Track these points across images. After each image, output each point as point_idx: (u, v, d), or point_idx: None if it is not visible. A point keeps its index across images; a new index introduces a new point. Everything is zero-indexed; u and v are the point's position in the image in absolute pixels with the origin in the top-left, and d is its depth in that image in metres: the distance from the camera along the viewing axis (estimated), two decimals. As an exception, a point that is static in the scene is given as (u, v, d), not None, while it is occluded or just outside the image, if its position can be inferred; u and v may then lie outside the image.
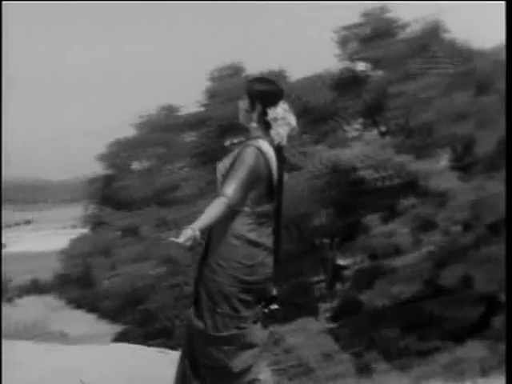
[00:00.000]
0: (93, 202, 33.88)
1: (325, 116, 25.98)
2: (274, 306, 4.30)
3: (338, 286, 24.38)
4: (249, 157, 4.04)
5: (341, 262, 24.64)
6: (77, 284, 35.67)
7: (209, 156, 29.42)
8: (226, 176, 4.04)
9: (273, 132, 4.15)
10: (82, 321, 38.60)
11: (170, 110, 31.11)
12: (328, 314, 23.24)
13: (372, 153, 22.05)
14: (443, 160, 23.30)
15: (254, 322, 4.12)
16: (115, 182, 31.84)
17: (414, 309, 20.27)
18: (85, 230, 35.54)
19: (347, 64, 27.01)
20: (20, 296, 60.14)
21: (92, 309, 33.94)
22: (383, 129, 26.11)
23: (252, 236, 4.07)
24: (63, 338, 25.16)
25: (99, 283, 28.97)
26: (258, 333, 4.13)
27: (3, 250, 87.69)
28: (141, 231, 28.39)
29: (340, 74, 26.87)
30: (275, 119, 4.14)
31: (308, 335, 19.08)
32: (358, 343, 20.69)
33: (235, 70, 30.04)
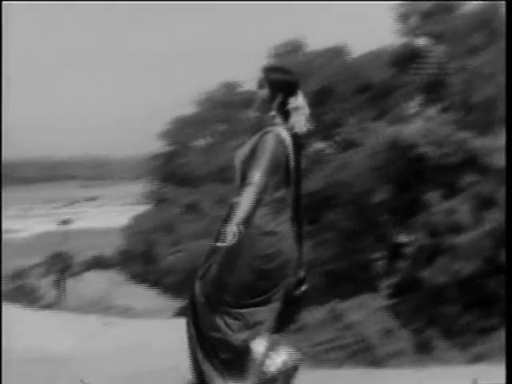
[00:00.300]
0: (156, 178, 34.24)
1: (385, 92, 25.81)
2: (304, 287, 4.43)
3: (399, 262, 24.30)
4: (270, 144, 4.18)
5: (401, 238, 24.56)
6: (140, 259, 36.17)
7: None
8: (248, 164, 4.15)
9: (293, 120, 4.26)
10: (145, 295, 39.20)
11: (231, 86, 31.20)
12: (388, 291, 23.22)
13: (433, 129, 21.88)
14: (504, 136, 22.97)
15: (264, 304, 4.27)
16: (177, 159, 32.13)
17: (475, 286, 20.15)
18: (148, 207, 35.97)
19: (408, 39, 26.73)
20: (85, 271, 61.32)
21: (155, 284, 34.40)
22: (444, 105, 25.84)
23: (270, 226, 4.19)
24: (127, 312, 25.58)
25: (162, 259, 29.33)
26: (263, 313, 4.28)
27: (68, 226, 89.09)
28: (203, 208, 28.63)
29: (400, 50, 26.59)
30: (296, 108, 4.25)
31: (368, 312, 19.11)
32: (418, 320, 20.65)
33: (298, 46, 29.92)
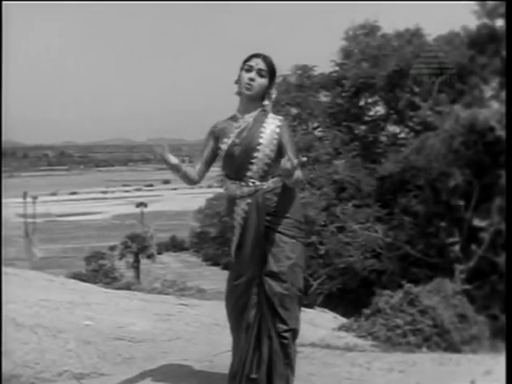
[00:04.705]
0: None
1: (461, 75, 25.42)
2: None
3: (474, 247, 24.03)
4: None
5: (477, 223, 24.25)
6: (213, 242, 36.48)
7: (343, 116, 29.34)
8: (287, 146, 4.29)
9: (269, 109, 4.36)
10: (219, 278, 39.54)
11: (304, 69, 31.01)
12: (463, 276, 23.00)
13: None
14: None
15: None
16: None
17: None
18: (221, 190, 36.23)
19: (485, 21, 26.25)
20: (159, 253, 62.25)
21: (228, 267, 34.72)
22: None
23: None
24: (200, 293, 25.79)
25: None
26: None
27: (144, 208, 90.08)
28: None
29: (477, 31, 26.16)
30: (271, 98, 4.34)
31: (443, 296, 18.95)
32: (494, 305, 20.39)
33: (370, 29, 29.61)
